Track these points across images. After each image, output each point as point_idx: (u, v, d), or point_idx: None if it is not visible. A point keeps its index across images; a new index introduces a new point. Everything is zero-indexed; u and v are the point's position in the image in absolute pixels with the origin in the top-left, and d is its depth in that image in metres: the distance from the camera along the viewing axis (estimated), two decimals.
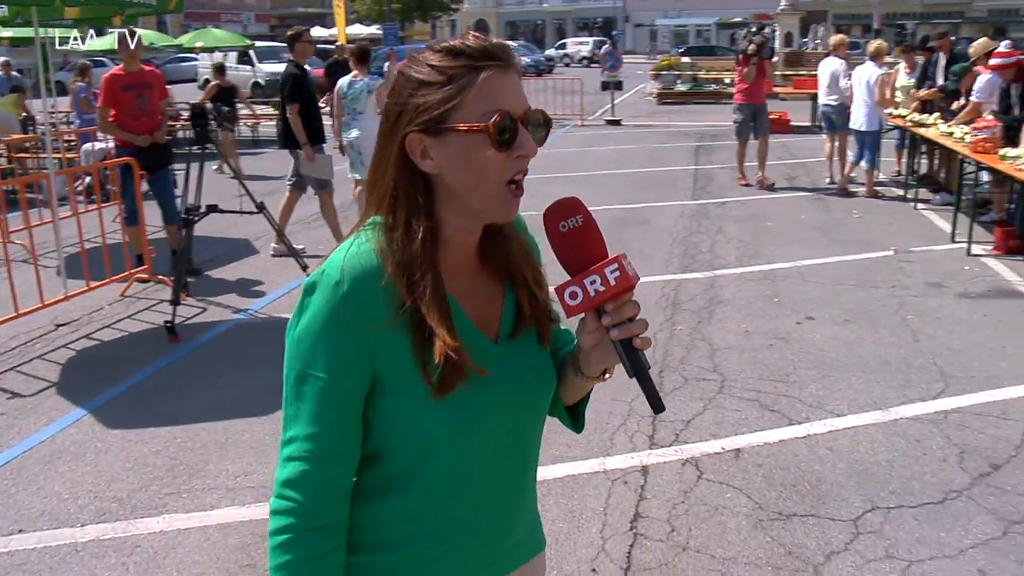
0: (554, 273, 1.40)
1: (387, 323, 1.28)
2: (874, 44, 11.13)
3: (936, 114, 10.19)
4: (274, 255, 8.39)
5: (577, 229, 1.31)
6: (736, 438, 4.60)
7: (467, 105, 1.26)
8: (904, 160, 11.93)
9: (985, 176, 9.15)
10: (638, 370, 1.28)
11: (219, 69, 14.13)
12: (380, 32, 36.64)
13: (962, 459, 4.30)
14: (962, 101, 9.97)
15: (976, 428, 4.63)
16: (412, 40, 43.31)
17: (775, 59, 11.45)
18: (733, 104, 12.19)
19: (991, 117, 8.45)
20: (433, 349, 1.27)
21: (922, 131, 9.97)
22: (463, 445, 1.35)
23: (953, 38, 11.61)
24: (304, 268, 6.86)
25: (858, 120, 10.76)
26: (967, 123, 8.94)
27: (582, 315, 1.32)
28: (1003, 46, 9.26)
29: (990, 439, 4.50)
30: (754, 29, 11.11)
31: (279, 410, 4.82)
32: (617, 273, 1.26)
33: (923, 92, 11.18)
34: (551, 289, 1.37)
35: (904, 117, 10.85)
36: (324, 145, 8.40)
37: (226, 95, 13.39)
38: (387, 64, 18.43)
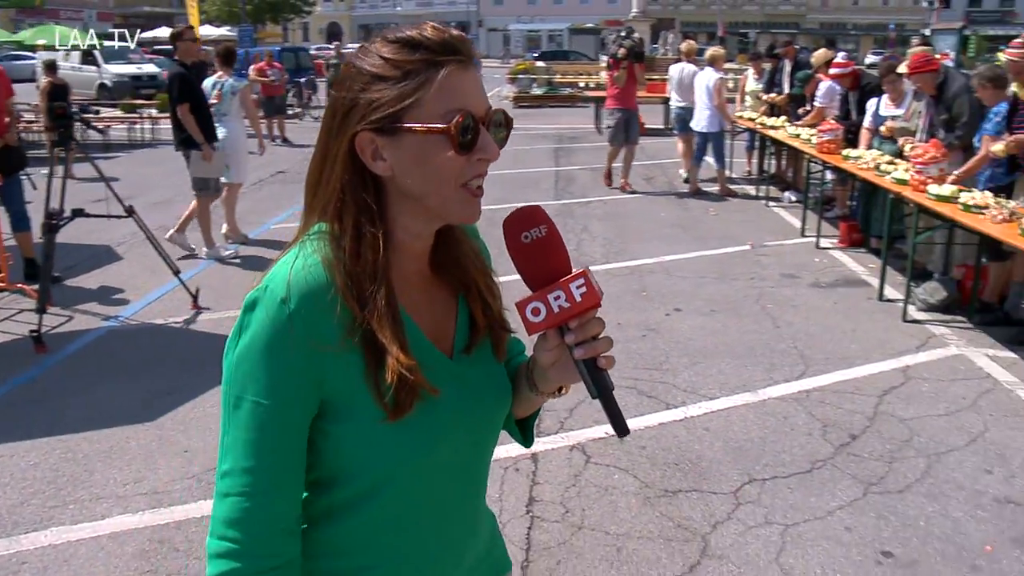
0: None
1: (338, 343, 1.16)
2: (711, 51, 11.76)
3: (783, 117, 10.84)
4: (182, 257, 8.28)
5: (540, 240, 1.20)
6: None
7: (426, 103, 1.14)
8: (755, 160, 12.62)
9: (829, 175, 9.82)
10: (602, 391, 1.19)
11: (50, 67, 13.47)
12: (231, 33, 35.78)
13: (825, 432, 4.66)
14: (808, 106, 10.65)
15: (835, 404, 5.02)
16: (265, 42, 42.36)
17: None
18: (605, 109, 12.34)
19: (834, 121, 9.07)
20: (386, 368, 1.16)
21: (771, 133, 10.59)
22: (418, 468, 1.24)
23: (797, 47, 12.33)
24: (176, 273, 6.70)
25: (700, 122, 11.37)
26: (812, 126, 9.57)
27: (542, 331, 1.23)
28: (840, 57, 9.95)
29: (847, 413, 4.89)
30: (623, 34, 11.44)
31: (163, 415, 4.74)
32: (583, 289, 1.17)
33: (773, 96, 11.83)
34: (513, 304, 1.24)
35: (754, 120, 11.48)
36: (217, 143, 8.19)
37: (59, 93, 12.80)
38: (252, 68, 18.05)
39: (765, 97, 12.07)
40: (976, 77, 6.70)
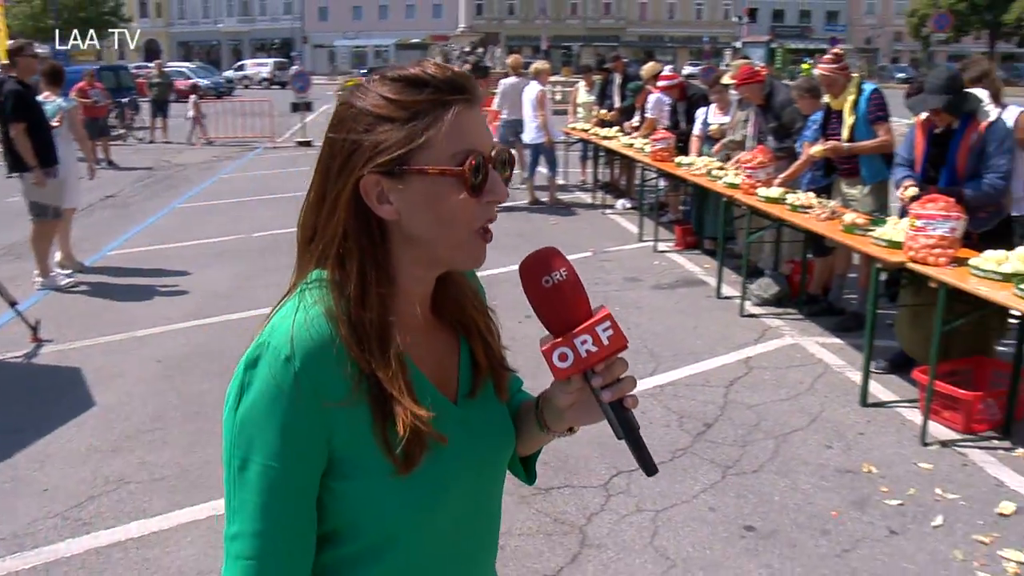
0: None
1: (345, 398, 1.11)
2: (536, 65, 12.16)
3: (616, 128, 11.32)
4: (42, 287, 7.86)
5: (562, 283, 1.17)
6: None
7: (436, 144, 1.11)
8: (589, 170, 13.09)
9: (662, 182, 10.33)
10: (628, 431, 1.17)
11: None
12: (42, 50, 33.83)
13: (681, 423, 4.96)
14: (637, 118, 11.16)
15: (688, 396, 5.35)
16: (78, 60, 40.20)
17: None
18: None
19: (664, 130, 9.57)
20: (395, 421, 1.12)
21: (606, 143, 11.03)
22: (426, 519, 1.20)
23: (626, 60, 12.89)
24: (12, 304, 6.36)
25: (529, 134, 11.73)
26: (645, 136, 10.05)
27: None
28: (667, 70, 10.51)
29: (700, 404, 5.22)
30: (467, 49, 11.62)
31: (15, 454, 4.53)
32: (610, 332, 1.15)
33: (605, 113, 12.29)
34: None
35: (587, 131, 11.93)
36: (59, 167, 7.79)
37: None
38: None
39: (596, 113, 12.54)
40: (794, 89, 7.27)
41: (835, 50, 6.65)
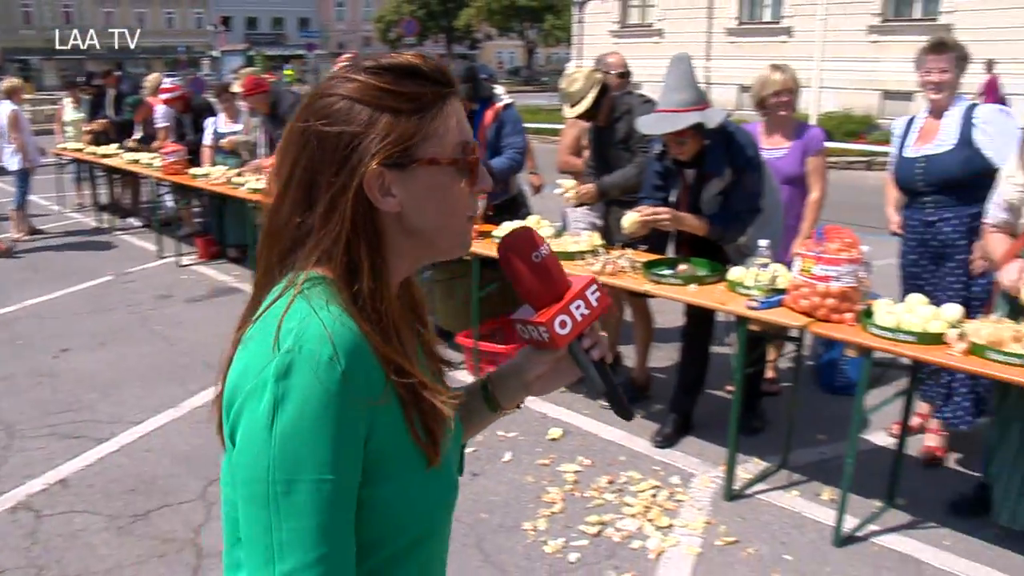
0: None
1: (383, 395, 1.07)
2: (7, 82, 10.86)
3: (115, 144, 10.73)
4: None
5: (548, 258, 1.23)
6: (54, 471, 4.59)
7: (444, 135, 1.12)
8: (86, 191, 12.23)
9: (168, 199, 9.90)
10: (609, 384, 1.26)
11: None
12: None
13: None
14: (138, 133, 10.70)
15: None
16: None
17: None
18: None
19: (171, 142, 9.35)
20: (423, 411, 1.11)
21: (107, 161, 10.37)
22: (446, 516, 1.19)
23: (118, 74, 12.22)
24: None
25: (6, 161, 10.55)
26: (158, 149, 9.69)
27: (527, 345, 1.28)
28: (168, 82, 10.20)
29: None
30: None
31: None
32: (597, 294, 1.24)
33: (95, 124, 11.56)
34: (519, 319, 1.27)
35: (80, 150, 11.12)
36: None
37: None
38: None
39: (87, 127, 11.75)
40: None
41: (349, 53, 7.18)
